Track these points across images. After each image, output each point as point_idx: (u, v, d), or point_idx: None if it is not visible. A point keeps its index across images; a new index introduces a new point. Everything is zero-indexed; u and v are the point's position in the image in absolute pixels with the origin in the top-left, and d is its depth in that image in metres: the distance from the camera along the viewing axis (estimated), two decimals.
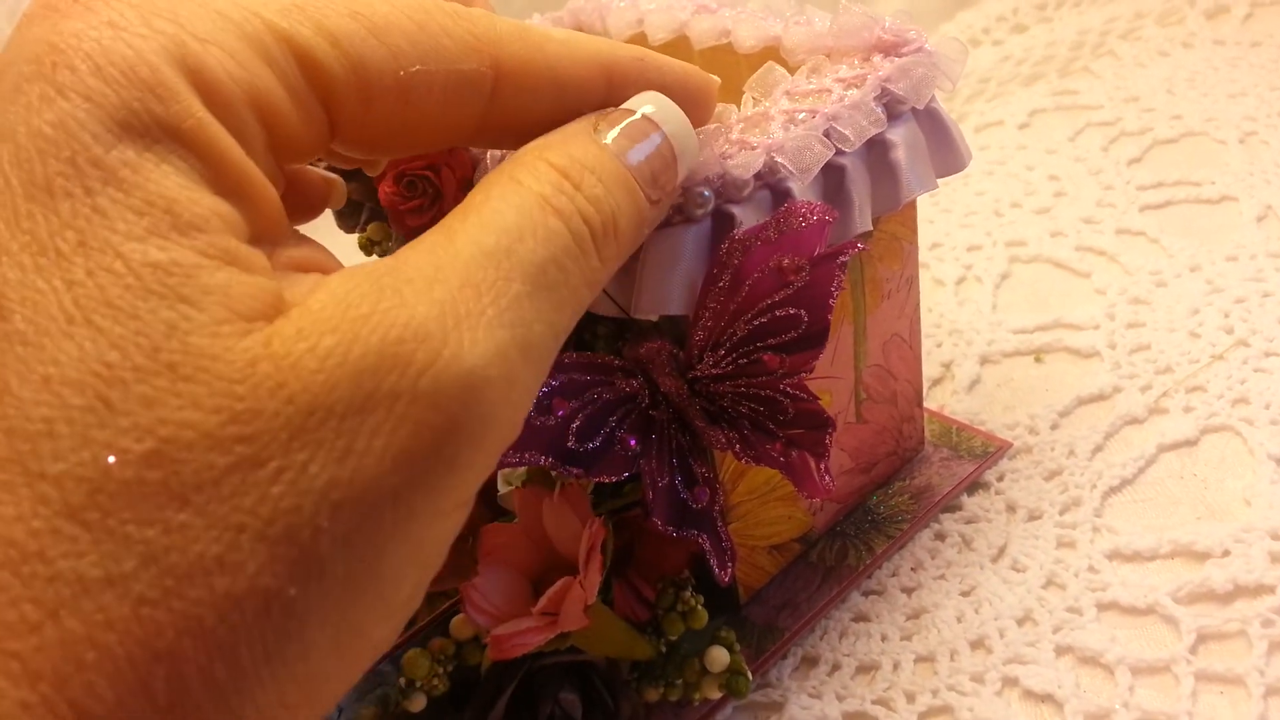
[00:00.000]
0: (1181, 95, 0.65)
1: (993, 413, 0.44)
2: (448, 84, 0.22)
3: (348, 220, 0.37)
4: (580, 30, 0.42)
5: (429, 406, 0.17)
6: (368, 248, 0.36)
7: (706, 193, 0.28)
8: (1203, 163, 0.58)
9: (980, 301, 0.51)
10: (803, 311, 0.27)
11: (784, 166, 0.29)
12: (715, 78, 0.28)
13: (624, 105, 0.25)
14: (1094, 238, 0.53)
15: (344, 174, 0.36)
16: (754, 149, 0.29)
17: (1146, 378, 0.44)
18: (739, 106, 0.31)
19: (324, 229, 0.53)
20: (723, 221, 0.28)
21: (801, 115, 0.30)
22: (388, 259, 0.20)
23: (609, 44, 0.25)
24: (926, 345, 0.47)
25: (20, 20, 0.18)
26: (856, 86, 0.31)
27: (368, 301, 0.18)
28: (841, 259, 0.27)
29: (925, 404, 0.42)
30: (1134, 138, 0.62)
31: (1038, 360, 0.47)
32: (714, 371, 0.29)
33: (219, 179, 0.18)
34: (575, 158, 0.23)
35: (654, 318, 0.29)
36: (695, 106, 0.27)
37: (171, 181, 0.17)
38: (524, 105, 0.24)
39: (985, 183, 0.60)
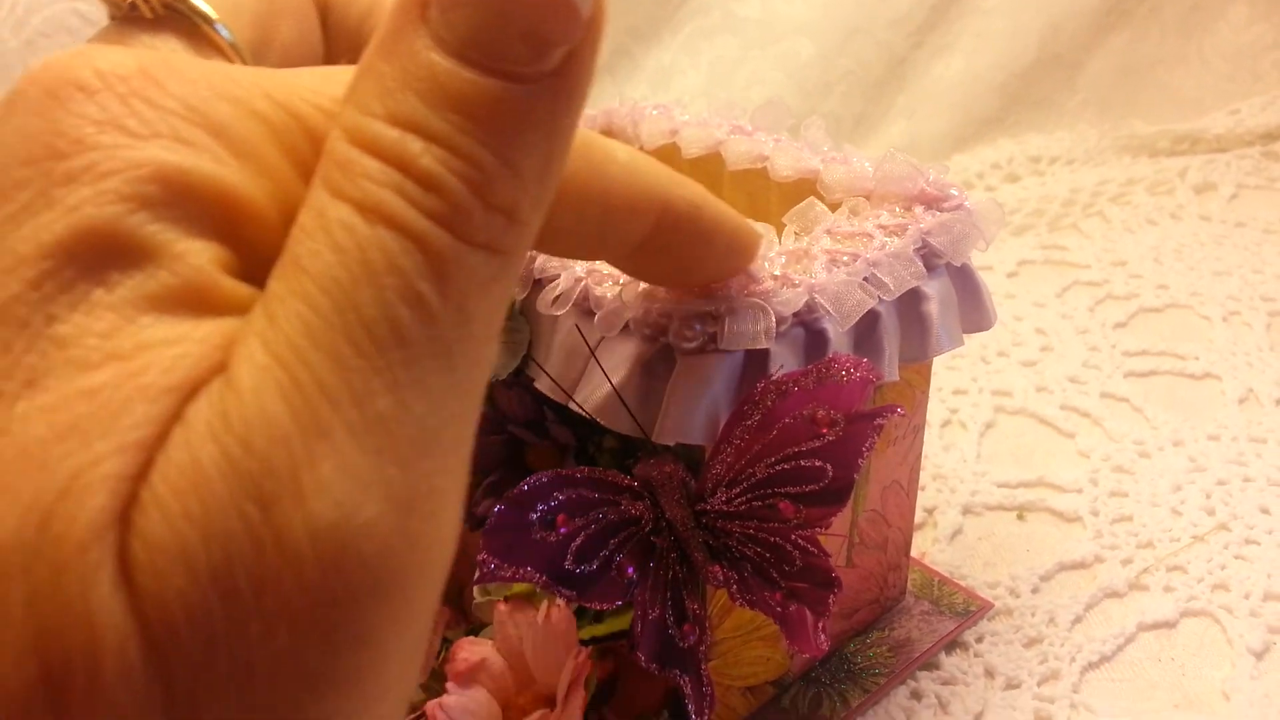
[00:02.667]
0: (1168, 266, 0.66)
1: (974, 567, 0.43)
2: None
3: None
4: (610, 133, 0.41)
5: (301, 594, 0.14)
6: None
7: (697, 326, 0.27)
8: (1187, 336, 0.59)
9: (965, 448, 0.50)
10: (829, 466, 0.26)
11: (824, 308, 0.28)
12: (763, 232, 0.28)
13: None
14: (1079, 398, 0.54)
15: None
16: (796, 287, 0.28)
17: (1128, 550, 0.44)
18: (776, 235, 0.31)
19: None
20: (755, 357, 0.28)
21: (844, 258, 0.29)
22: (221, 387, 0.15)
23: (669, 179, 0.23)
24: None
25: (14, 96, 0.15)
26: (897, 235, 0.31)
27: (218, 472, 0.14)
28: (878, 421, 0.26)
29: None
30: (1120, 302, 0.63)
31: (1020, 518, 0.46)
32: (725, 508, 0.28)
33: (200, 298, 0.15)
34: (392, 102, 0.15)
35: (672, 444, 0.28)
36: (740, 258, 0.26)
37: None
38: (570, 225, 0.22)
39: None
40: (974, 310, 0.33)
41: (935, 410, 0.53)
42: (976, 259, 0.34)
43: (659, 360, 0.28)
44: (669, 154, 0.40)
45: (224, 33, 0.21)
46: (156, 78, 0.15)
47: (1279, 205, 0.74)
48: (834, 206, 0.33)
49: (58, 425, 0.14)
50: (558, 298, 0.29)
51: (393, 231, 0.14)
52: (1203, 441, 0.50)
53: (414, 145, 0.15)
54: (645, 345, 0.28)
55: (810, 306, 0.28)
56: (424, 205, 0.14)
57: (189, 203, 0.15)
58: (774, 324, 0.27)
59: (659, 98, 0.73)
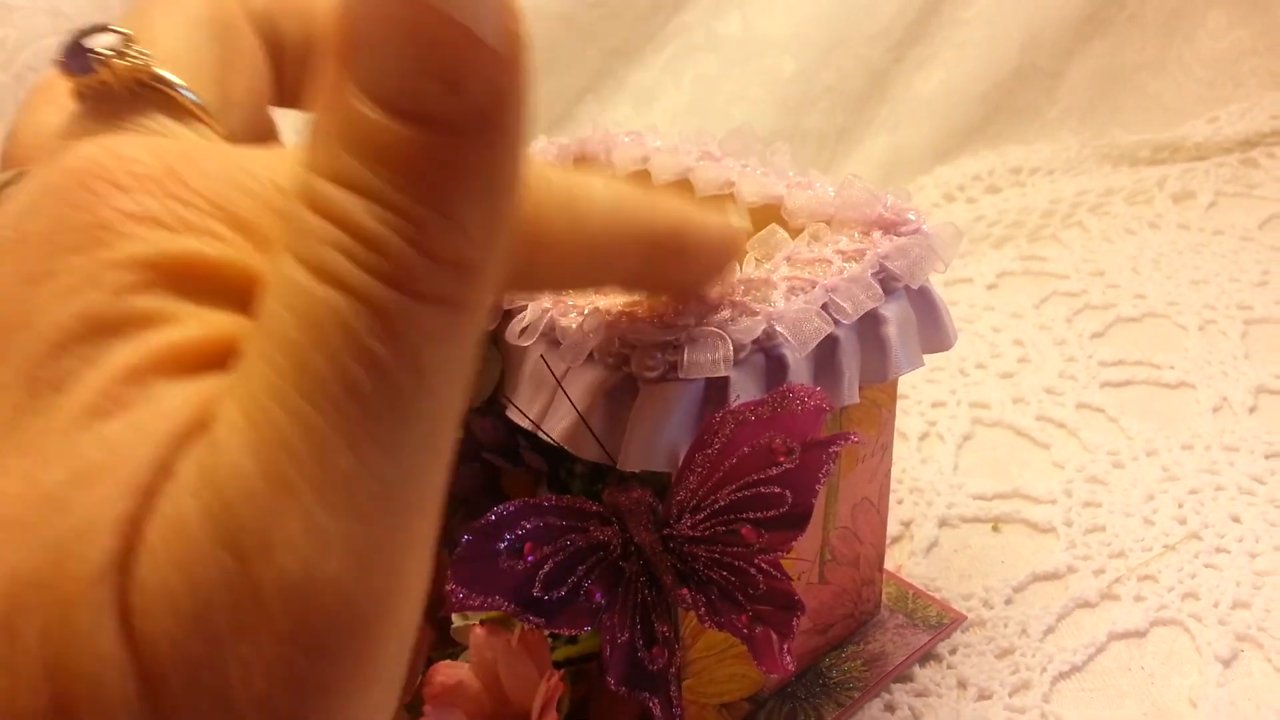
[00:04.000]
0: (1146, 275, 0.67)
1: (949, 579, 0.44)
2: None
3: None
4: (584, 160, 0.42)
5: (275, 643, 0.15)
6: None
7: (658, 355, 0.28)
8: (1163, 346, 0.60)
9: (942, 461, 0.51)
10: (788, 492, 0.27)
11: (783, 335, 0.29)
12: (745, 226, 0.29)
13: None
14: (1055, 409, 0.54)
15: None
16: (755, 315, 0.29)
17: (1100, 560, 0.44)
18: (738, 264, 0.32)
19: None
20: (716, 384, 0.28)
21: (803, 285, 0.30)
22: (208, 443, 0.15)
23: (649, 210, 0.23)
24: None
25: (48, 187, 0.16)
26: (855, 260, 0.32)
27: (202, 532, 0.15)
28: (833, 448, 0.27)
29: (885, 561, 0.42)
30: (1098, 311, 0.63)
31: (995, 529, 0.47)
32: (690, 533, 0.28)
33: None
34: (333, 159, 0.15)
35: (637, 470, 0.29)
36: (726, 259, 0.27)
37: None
38: (556, 275, 0.23)
39: None
40: (934, 330, 0.34)
41: (914, 423, 0.54)
42: (957, 270, 0.35)
43: (623, 388, 0.29)
44: (641, 180, 0.41)
45: (192, 97, 0.22)
46: (180, 174, 0.16)
47: (1256, 212, 0.75)
48: (797, 232, 0.34)
49: (76, 470, 0.14)
50: (525, 329, 0.30)
51: (340, 291, 0.15)
52: (1176, 451, 0.51)
53: (354, 204, 0.15)
54: (609, 374, 0.29)
55: (769, 333, 0.29)
56: (368, 264, 0.15)
57: (213, 281, 0.16)
58: (732, 352, 0.28)
59: (642, 117, 0.74)
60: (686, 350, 0.28)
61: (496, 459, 0.33)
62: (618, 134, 0.42)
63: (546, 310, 0.30)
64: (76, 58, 0.22)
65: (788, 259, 0.32)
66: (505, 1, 0.15)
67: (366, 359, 0.15)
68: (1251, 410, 0.54)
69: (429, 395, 0.16)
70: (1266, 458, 0.50)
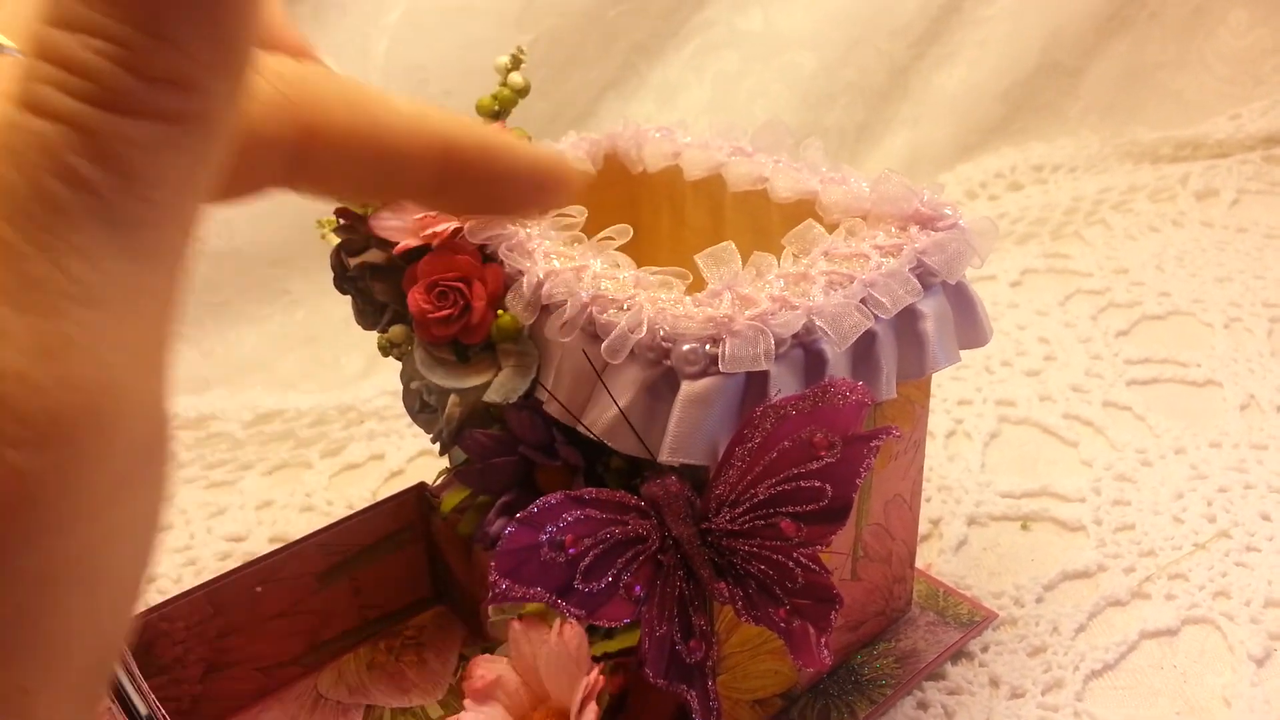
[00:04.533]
0: (1170, 273, 0.67)
1: (979, 577, 0.44)
2: (244, 145, 0.19)
3: (369, 319, 0.37)
4: (615, 155, 0.42)
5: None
6: (386, 348, 0.36)
7: (699, 349, 0.28)
8: (1189, 344, 0.60)
9: (969, 459, 0.51)
10: (828, 486, 0.27)
11: (822, 329, 0.29)
12: (583, 167, 0.28)
13: None
14: (1082, 407, 0.54)
15: (374, 273, 0.35)
16: (795, 309, 0.29)
17: (1130, 559, 0.44)
18: (778, 259, 0.32)
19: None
20: (756, 378, 0.28)
21: (841, 279, 0.30)
22: None
23: (455, 125, 0.23)
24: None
25: None
26: (893, 255, 0.32)
27: None
28: (874, 443, 0.27)
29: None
30: (1123, 309, 0.63)
31: (1024, 528, 0.47)
32: (729, 527, 0.29)
33: None
34: (55, 5, 0.16)
35: (676, 463, 0.29)
36: (544, 194, 0.26)
37: None
38: (344, 170, 0.22)
39: None
40: (970, 327, 0.34)
41: (941, 421, 0.54)
42: (981, 269, 0.35)
43: (663, 383, 0.29)
44: (672, 175, 0.41)
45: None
46: None
47: None
48: (832, 227, 0.34)
49: None
50: (564, 324, 0.30)
51: (47, 119, 0.16)
52: (1204, 449, 0.51)
53: (70, 40, 0.16)
54: (649, 369, 0.29)
55: (808, 328, 0.29)
56: (77, 90, 0.16)
57: None
58: (773, 346, 0.28)
59: (665, 113, 0.74)
60: (727, 344, 0.28)
61: (532, 453, 0.33)
62: (648, 129, 0.42)
63: (586, 305, 0.30)
64: None
65: (825, 254, 0.32)
66: None
67: (66, 173, 0.16)
68: None
69: (144, 204, 0.17)
70: None
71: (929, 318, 0.32)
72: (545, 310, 0.32)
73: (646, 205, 0.44)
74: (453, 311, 0.33)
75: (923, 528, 0.47)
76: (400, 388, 0.36)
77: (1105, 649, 0.40)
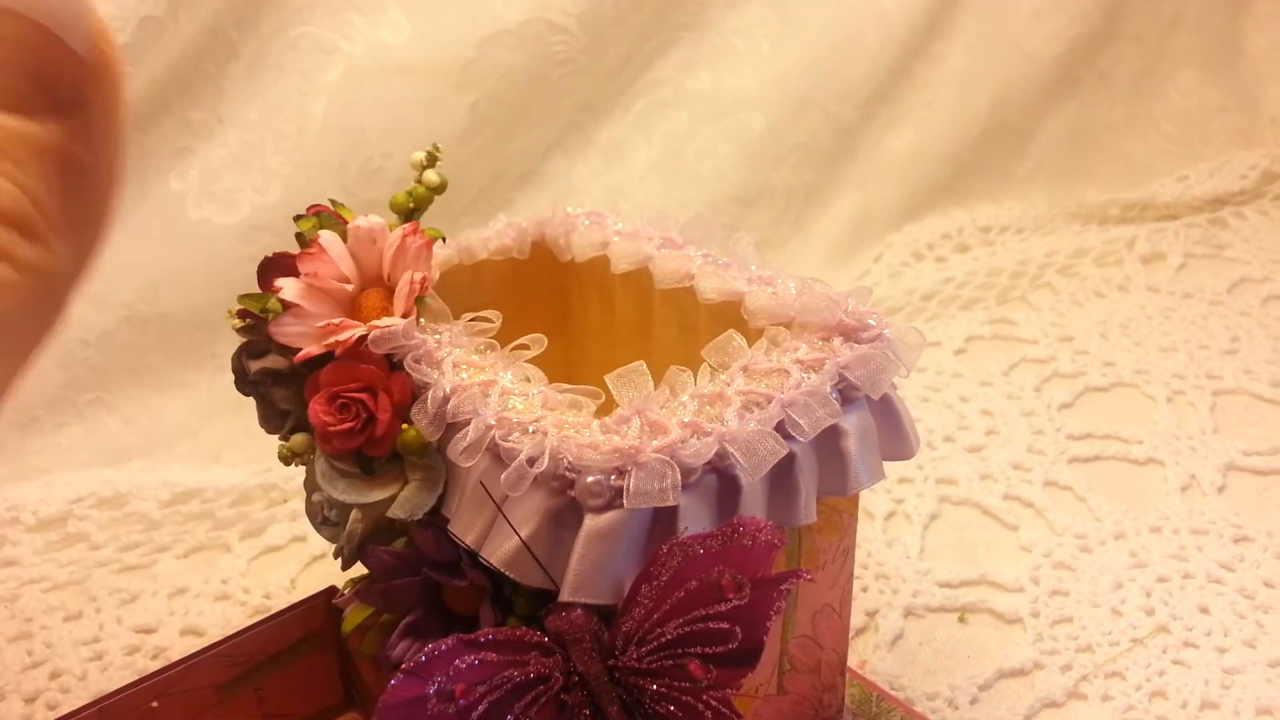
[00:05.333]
0: (1115, 341, 0.67)
1: (914, 676, 0.43)
2: None
3: (272, 424, 0.35)
4: (543, 242, 0.41)
5: None
6: (288, 457, 0.34)
7: (603, 482, 0.27)
8: (1132, 418, 0.59)
9: (908, 544, 0.50)
10: (737, 628, 0.26)
11: (736, 458, 0.28)
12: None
13: None
14: (1023, 487, 0.54)
15: (273, 378, 0.34)
16: (707, 435, 0.28)
17: (1067, 655, 0.43)
18: (695, 369, 0.30)
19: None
20: (664, 511, 0.27)
21: (759, 400, 0.29)
22: None
23: None
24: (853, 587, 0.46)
25: None
26: (815, 370, 0.31)
27: None
28: (784, 586, 0.26)
29: (848, 657, 0.41)
30: (1067, 380, 0.63)
31: (961, 620, 0.46)
32: (637, 665, 0.27)
33: None
34: None
35: (579, 602, 0.28)
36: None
37: None
38: None
39: (920, 410, 0.60)
40: (895, 439, 0.33)
41: (880, 501, 0.53)
42: (926, 334, 0.34)
43: (568, 512, 0.28)
44: (601, 265, 0.40)
45: None
46: None
47: (1225, 274, 0.75)
48: (757, 333, 0.33)
49: None
50: (466, 448, 0.29)
51: None
52: (1144, 534, 0.50)
53: None
54: (553, 498, 0.28)
55: (721, 454, 0.28)
56: None
57: None
58: (680, 478, 0.27)
59: (611, 173, 0.73)
60: (633, 477, 0.26)
61: (438, 574, 0.32)
62: (578, 216, 0.41)
63: (490, 428, 0.29)
64: None
65: (744, 369, 0.31)
66: (91, 13, 0.18)
67: None
68: (1220, 490, 0.53)
69: None
70: (1235, 542, 0.49)
71: (851, 436, 0.31)
72: (451, 427, 0.31)
73: (576, 293, 0.43)
74: (355, 425, 0.31)
75: (858, 620, 0.46)
76: None
77: None
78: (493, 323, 0.33)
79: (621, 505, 0.27)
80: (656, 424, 0.28)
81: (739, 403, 0.29)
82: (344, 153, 0.62)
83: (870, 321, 0.32)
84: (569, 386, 0.30)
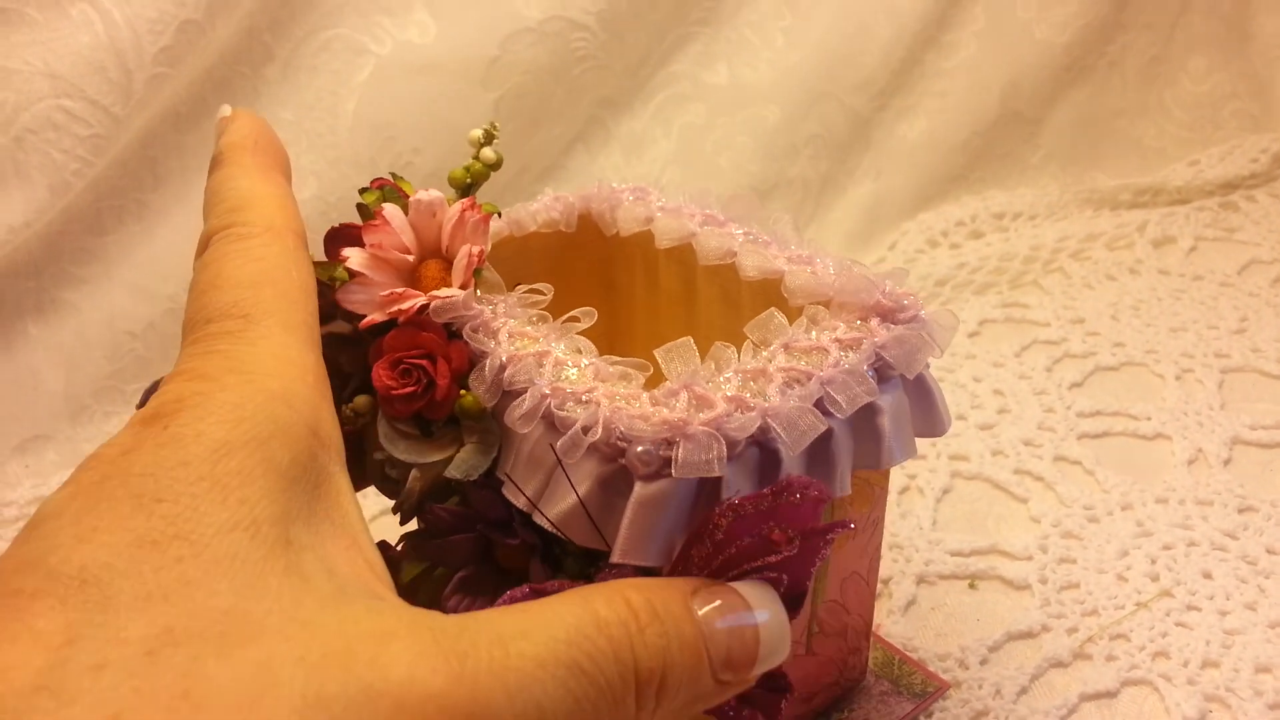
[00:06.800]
0: (1125, 322, 0.68)
1: (925, 639, 0.45)
2: None
3: (333, 387, 0.37)
4: (588, 216, 0.42)
5: None
6: (351, 418, 0.35)
7: (652, 452, 0.28)
8: (1141, 395, 0.61)
9: (921, 516, 0.52)
10: (784, 575, 0.28)
11: (778, 433, 0.29)
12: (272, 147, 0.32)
13: (734, 586, 0.26)
14: (1033, 462, 0.55)
15: (339, 342, 0.35)
16: (751, 410, 0.29)
17: (1074, 619, 0.45)
18: (738, 348, 0.32)
19: None
20: (710, 481, 0.29)
21: (799, 377, 0.31)
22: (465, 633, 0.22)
23: None
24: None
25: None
26: (853, 349, 0.32)
27: None
28: (830, 535, 0.27)
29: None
30: (1077, 360, 0.65)
31: (972, 586, 0.48)
32: None
33: None
34: (654, 603, 0.24)
35: (629, 565, 0.29)
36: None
37: None
38: None
39: None
40: (927, 417, 0.34)
41: (895, 477, 0.55)
42: (958, 318, 0.35)
43: (618, 478, 0.29)
44: (645, 240, 0.41)
45: None
46: None
47: (1236, 257, 0.76)
48: (796, 312, 0.34)
49: None
50: (523, 415, 0.31)
51: (609, 645, 0.23)
52: (1151, 505, 0.52)
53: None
54: (605, 465, 0.29)
55: (764, 429, 0.29)
56: (636, 651, 0.24)
57: None
58: (725, 450, 0.28)
59: (632, 165, 0.75)
60: (681, 449, 0.28)
61: (492, 531, 0.34)
62: (622, 191, 0.42)
63: (545, 397, 0.31)
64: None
65: (785, 347, 0.32)
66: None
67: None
68: (1226, 463, 0.55)
69: None
70: (1239, 512, 0.51)
71: (885, 414, 0.32)
72: (506, 395, 0.32)
73: (621, 267, 0.45)
74: (416, 389, 0.33)
75: None
76: None
77: (1045, 713, 0.41)
78: (545, 295, 0.35)
79: (670, 474, 0.28)
80: (703, 398, 0.29)
81: (780, 379, 0.30)
82: (374, 150, 0.64)
83: (905, 302, 0.34)
84: (619, 359, 0.32)
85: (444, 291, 0.34)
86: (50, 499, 0.21)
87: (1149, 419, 0.58)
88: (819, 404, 0.30)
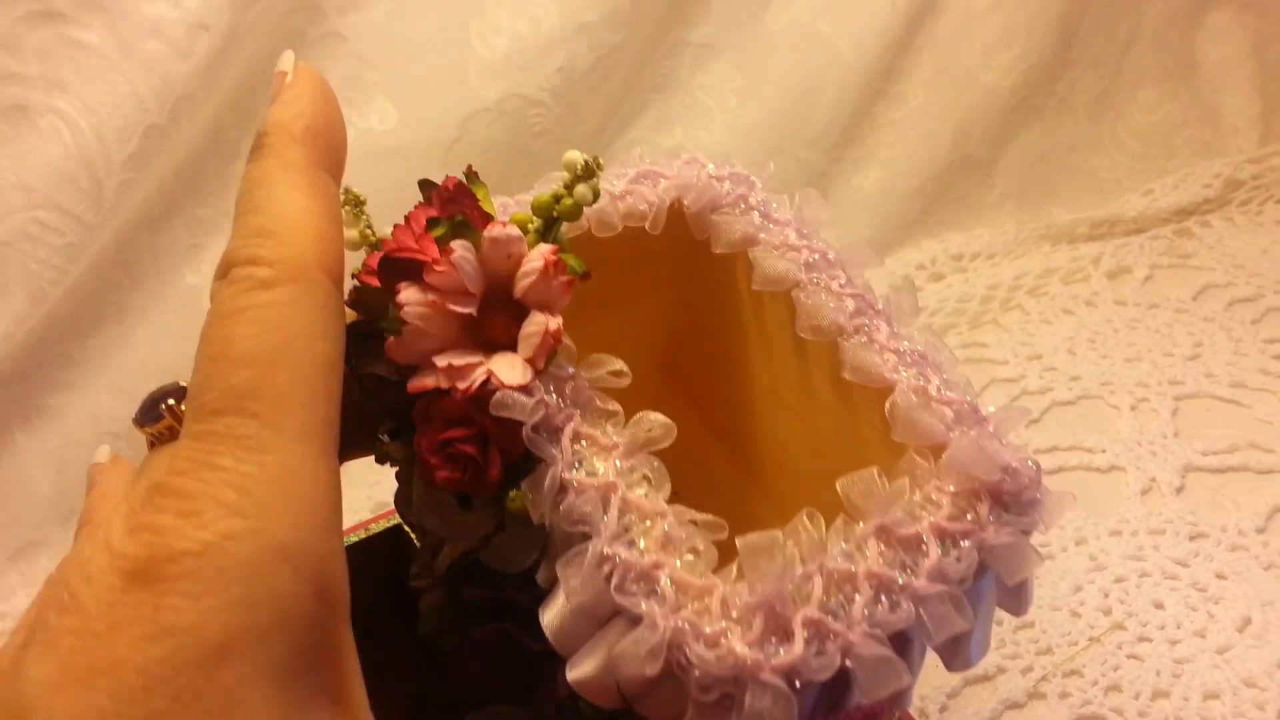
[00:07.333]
0: (1082, 356, 0.70)
1: None
2: None
3: (367, 425, 0.32)
4: (679, 210, 0.36)
5: None
6: (383, 458, 0.32)
7: (714, 689, 0.25)
8: (1096, 428, 0.62)
9: None
10: None
11: (856, 678, 0.25)
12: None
13: None
14: None
15: (381, 384, 0.30)
16: (832, 645, 0.25)
17: (1028, 658, 0.47)
18: (824, 524, 0.27)
19: None
20: None
21: (886, 594, 0.26)
22: None
23: None
24: None
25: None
26: (955, 546, 0.27)
27: None
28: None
29: None
30: (1034, 397, 0.66)
31: None
32: None
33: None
34: None
35: None
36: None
37: None
38: None
39: None
40: (1010, 601, 0.29)
41: None
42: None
43: (670, 682, 0.26)
44: (740, 260, 0.35)
45: None
46: None
47: (1191, 282, 0.78)
48: (895, 456, 0.29)
49: None
50: (580, 580, 0.27)
51: None
52: (1104, 538, 0.53)
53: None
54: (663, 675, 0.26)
55: (842, 670, 0.25)
56: None
57: None
58: (797, 710, 0.24)
59: None
60: (749, 693, 0.25)
61: (521, 633, 0.32)
62: (722, 177, 0.37)
63: (605, 561, 0.26)
64: (148, 412, 0.28)
65: (880, 531, 0.27)
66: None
67: None
68: (1179, 491, 0.56)
69: None
70: (1191, 539, 0.53)
71: (972, 637, 0.27)
72: (560, 513, 0.28)
73: (709, 279, 0.39)
74: (462, 476, 0.29)
75: None
76: None
77: None
78: (623, 376, 0.30)
79: (731, 703, 0.25)
80: (781, 626, 0.25)
81: (869, 591, 0.26)
82: None
83: (1026, 482, 0.28)
84: (694, 516, 0.27)
85: (506, 373, 0.28)
86: (32, 674, 0.20)
87: (1104, 451, 0.60)
88: (903, 634, 0.26)
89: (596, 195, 0.31)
